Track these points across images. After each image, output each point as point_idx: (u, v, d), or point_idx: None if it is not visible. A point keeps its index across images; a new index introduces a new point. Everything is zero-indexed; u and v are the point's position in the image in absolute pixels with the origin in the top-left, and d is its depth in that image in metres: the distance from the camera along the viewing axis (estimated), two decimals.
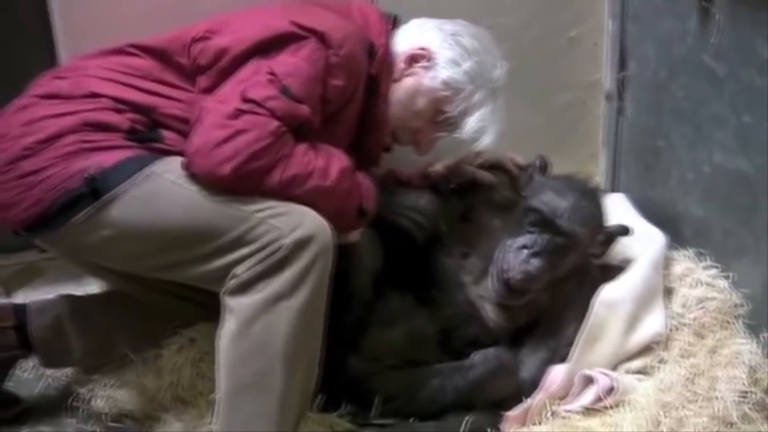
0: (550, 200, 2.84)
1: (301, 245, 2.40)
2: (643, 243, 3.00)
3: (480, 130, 2.86)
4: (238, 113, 2.45)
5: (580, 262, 2.90)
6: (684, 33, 3.10)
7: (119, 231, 2.50)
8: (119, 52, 2.74)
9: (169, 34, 2.73)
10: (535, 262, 2.76)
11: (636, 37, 3.47)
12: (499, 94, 2.91)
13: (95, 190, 2.47)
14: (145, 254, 2.56)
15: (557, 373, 2.73)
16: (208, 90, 2.61)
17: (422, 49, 2.85)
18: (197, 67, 2.66)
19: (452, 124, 2.88)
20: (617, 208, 3.15)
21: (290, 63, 2.57)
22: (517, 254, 2.78)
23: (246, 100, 2.48)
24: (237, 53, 2.60)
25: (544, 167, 3.01)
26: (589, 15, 3.64)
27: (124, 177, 2.48)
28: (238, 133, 2.42)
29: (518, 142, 3.29)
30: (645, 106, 3.45)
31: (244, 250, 2.42)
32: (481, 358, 2.76)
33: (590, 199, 2.93)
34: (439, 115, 2.88)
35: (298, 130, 2.52)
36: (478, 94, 2.84)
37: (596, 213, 2.91)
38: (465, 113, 2.85)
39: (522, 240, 2.79)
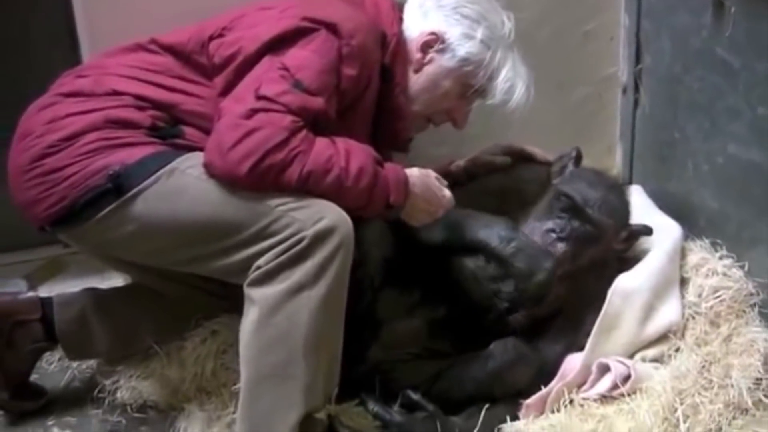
0: (582, 189, 2.89)
1: (322, 236, 2.40)
2: (659, 234, 3.03)
3: (509, 89, 2.87)
4: (252, 112, 2.45)
5: (601, 256, 2.93)
6: (699, 26, 3.11)
7: (143, 226, 2.53)
8: (139, 48, 2.77)
9: (189, 30, 2.75)
10: (561, 246, 2.80)
11: (651, 31, 3.48)
12: (513, 46, 2.93)
13: (119, 186, 2.50)
14: (168, 249, 2.59)
15: (574, 362, 2.75)
16: (226, 91, 2.62)
17: (432, 33, 2.85)
18: (214, 66, 2.68)
19: (482, 92, 2.91)
20: (633, 200, 3.17)
21: (301, 56, 2.58)
22: (544, 237, 2.82)
23: (259, 98, 2.48)
24: (249, 54, 2.62)
25: (578, 158, 3.05)
26: (605, 9, 3.66)
27: (147, 173, 2.51)
28: (252, 131, 2.42)
29: (536, 135, 3.33)
30: (661, 99, 3.46)
31: (267, 243, 2.43)
32: (499, 348, 2.77)
33: (619, 194, 3.00)
34: (467, 89, 2.90)
35: (315, 123, 2.52)
36: (497, 56, 2.86)
37: (624, 209, 2.98)
38: (491, 78, 2.87)
39: (550, 224, 2.84)
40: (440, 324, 2.84)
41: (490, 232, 2.78)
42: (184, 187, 2.51)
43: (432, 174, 2.73)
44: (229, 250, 2.48)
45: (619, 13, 3.64)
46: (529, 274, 2.71)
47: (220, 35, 2.69)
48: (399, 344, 2.81)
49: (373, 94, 2.78)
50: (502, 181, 3.16)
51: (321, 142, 2.49)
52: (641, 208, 3.19)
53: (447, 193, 2.74)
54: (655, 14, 3.44)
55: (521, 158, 3.19)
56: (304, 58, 2.58)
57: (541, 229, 2.84)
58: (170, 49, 2.73)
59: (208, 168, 2.48)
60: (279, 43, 2.61)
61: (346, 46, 2.62)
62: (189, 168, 2.52)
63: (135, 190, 2.51)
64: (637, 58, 3.58)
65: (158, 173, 2.51)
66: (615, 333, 2.80)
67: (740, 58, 2.93)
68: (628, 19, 3.60)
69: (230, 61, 2.64)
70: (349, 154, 2.51)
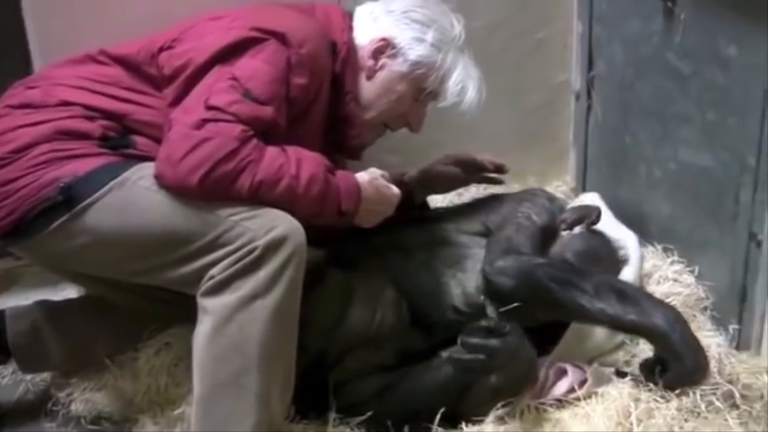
0: (585, 261, 2.86)
1: (275, 246, 2.40)
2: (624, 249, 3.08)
3: (461, 91, 2.89)
4: (202, 123, 2.45)
5: None
6: (649, 33, 3.13)
7: (94, 239, 2.52)
8: (89, 60, 2.76)
9: (139, 42, 2.75)
10: None
11: (603, 37, 3.51)
12: (464, 48, 2.94)
13: (70, 198, 2.49)
14: (120, 260, 2.57)
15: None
16: (176, 101, 2.61)
17: (382, 39, 2.86)
18: (163, 77, 2.68)
19: (434, 95, 2.93)
20: None
21: (251, 66, 2.59)
22: None
23: (209, 108, 2.48)
24: (199, 64, 2.61)
25: (594, 222, 3.03)
26: (557, 17, 3.69)
27: (98, 185, 2.50)
28: (202, 141, 2.42)
29: (489, 142, 3.34)
30: (613, 105, 3.48)
31: (219, 253, 2.43)
32: (448, 357, 2.74)
33: (618, 271, 2.99)
34: (420, 93, 2.91)
35: (265, 133, 2.53)
36: (448, 58, 2.88)
37: None
38: (442, 81, 2.89)
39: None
40: (414, 353, 2.80)
41: (662, 315, 2.56)
42: (136, 198, 2.50)
43: (378, 173, 2.74)
44: (181, 261, 2.47)
45: (572, 20, 3.67)
46: (692, 371, 2.56)
47: (170, 47, 2.69)
48: (361, 371, 2.78)
49: (323, 102, 2.79)
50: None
51: (271, 151, 2.50)
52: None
53: (395, 190, 2.77)
54: (607, 21, 3.47)
55: (472, 167, 3.19)
56: (254, 68, 2.59)
57: None
58: (120, 61, 2.73)
59: (159, 179, 2.48)
60: (228, 54, 2.61)
61: (296, 55, 2.63)
62: (140, 179, 2.51)
63: (86, 202, 2.49)
64: (590, 64, 3.61)
65: (109, 185, 2.50)
66: (585, 340, 2.81)
67: (690, 64, 2.96)
68: (580, 25, 3.62)
69: (180, 72, 2.64)
70: (300, 162, 2.52)
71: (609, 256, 2.99)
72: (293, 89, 2.64)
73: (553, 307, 2.65)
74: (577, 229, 3.00)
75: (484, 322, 2.54)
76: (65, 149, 2.55)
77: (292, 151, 2.53)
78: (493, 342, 2.47)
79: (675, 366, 2.53)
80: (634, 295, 2.60)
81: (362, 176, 2.69)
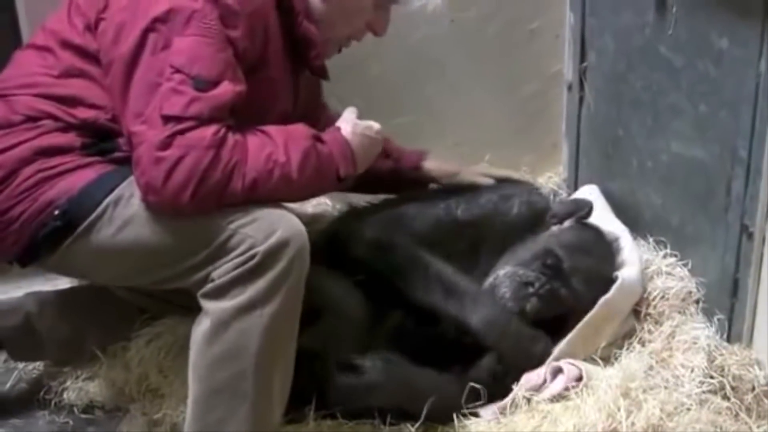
0: (574, 252, 2.84)
1: (276, 251, 2.34)
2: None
3: None
4: (168, 140, 2.32)
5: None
6: (642, 25, 3.13)
7: (99, 256, 2.48)
8: (37, 49, 2.64)
9: (78, 18, 2.59)
10: (534, 303, 2.75)
11: (596, 28, 3.50)
12: None
13: (68, 222, 2.43)
14: (126, 274, 2.56)
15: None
16: (122, 97, 2.44)
17: None
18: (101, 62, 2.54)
19: None
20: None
21: (187, 47, 2.40)
22: (519, 289, 2.75)
23: (167, 120, 2.34)
24: (130, 50, 2.43)
25: (587, 216, 3.01)
26: (550, 7, 3.69)
27: (93, 204, 2.43)
28: (178, 161, 2.31)
29: (481, 133, 3.34)
30: (605, 96, 3.48)
31: (221, 261, 2.37)
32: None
33: (609, 265, 2.95)
34: None
35: (233, 112, 2.42)
36: None
37: (608, 282, 2.86)
38: None
39: (531, 276, 2.77)
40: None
41: (481, 314, 2.69)
42: (132, 216, 2.43)
43: (352, 117, 2.68)
44: (184, 273, 2.42)
45: (565, 11, 3.67)
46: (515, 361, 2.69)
47: (101, 18, 2.53)
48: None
49: (277, 37, 2.65)
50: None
51: (254, 143, 2.42)
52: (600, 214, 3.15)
53: (375, 126, 2.70)
54: (600, 12, 3.46)
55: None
56: (190, 47, 2.41)
57: (517, 278, 2.77)
58: (68, 46, 2.59)
59: (149, 206, 2.40)
60: (158, 25, 2.43)
61: (223, 7, 2.45)
62: (133, 196, 2.43)
63: (85, 223, 2.43)
64: (582, 55, 3.59)
65: (104, 202, 2.43)
66: (590, 340, 2.81)
67: (682, 57, 2.96)
68: (573, 17, 3.62)
69: (115, 60, 2.47)
70: (287, 144, 2.45)
71: (600, 250, 2.97)
72: (237, 42, 2.48)
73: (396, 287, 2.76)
74: (567, 223, 2.98)
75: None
76: (51, 167, 2.46)
77: (276, 132, 2.46)
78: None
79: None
80: (463, 291, 2.73)
81: (345, 129, 2.62)
